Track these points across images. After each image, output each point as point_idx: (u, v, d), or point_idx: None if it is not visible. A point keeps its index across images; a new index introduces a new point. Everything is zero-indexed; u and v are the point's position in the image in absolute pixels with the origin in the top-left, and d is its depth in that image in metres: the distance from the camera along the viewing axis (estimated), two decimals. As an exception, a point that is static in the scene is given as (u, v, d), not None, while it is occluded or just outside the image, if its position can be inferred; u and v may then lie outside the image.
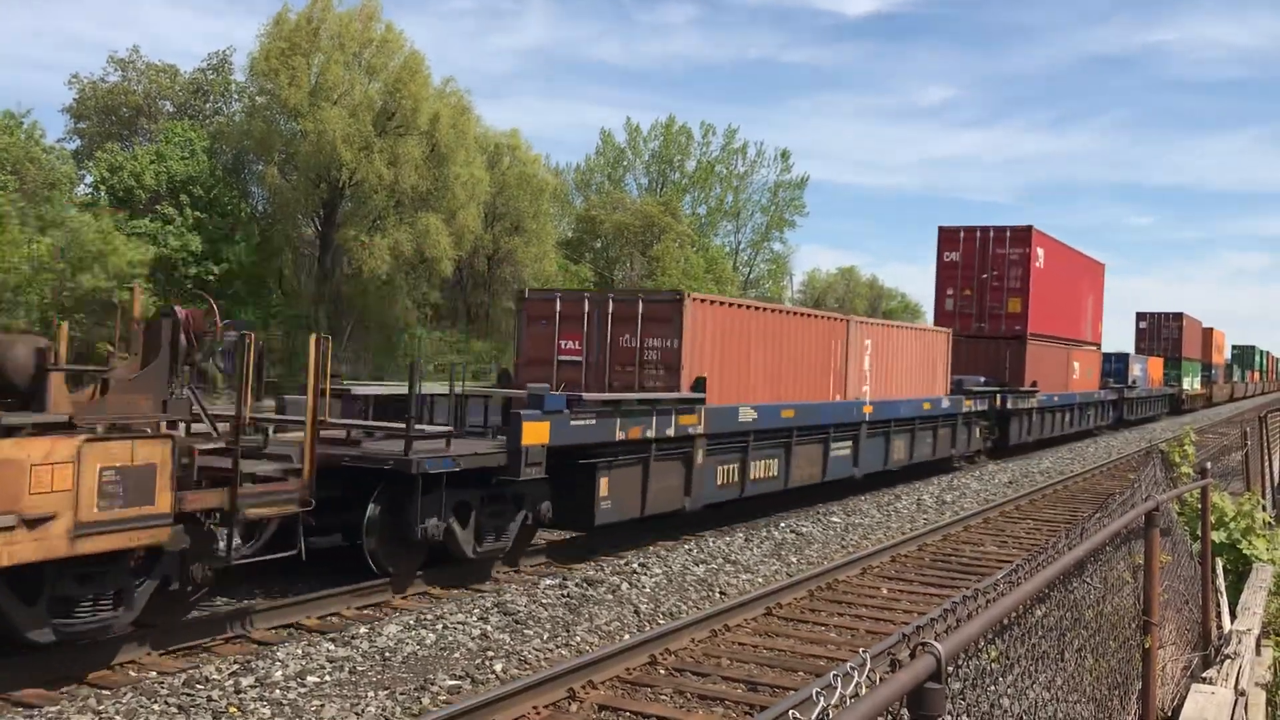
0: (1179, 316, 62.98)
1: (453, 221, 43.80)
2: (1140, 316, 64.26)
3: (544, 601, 10.63)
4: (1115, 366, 44.84)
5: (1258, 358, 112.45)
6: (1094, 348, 39.48)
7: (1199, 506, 9.73)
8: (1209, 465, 9.85)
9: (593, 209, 57.91)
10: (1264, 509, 13.54)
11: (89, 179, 42.07)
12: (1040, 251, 31.48)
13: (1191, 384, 63.12)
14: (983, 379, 26.56)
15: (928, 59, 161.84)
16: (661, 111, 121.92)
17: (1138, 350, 59.15)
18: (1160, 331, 62.36)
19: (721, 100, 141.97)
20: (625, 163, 66.16)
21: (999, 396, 26.77)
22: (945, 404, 22.77)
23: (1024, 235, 30.79)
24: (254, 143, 42.22)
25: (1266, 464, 19.24)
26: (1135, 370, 46.63)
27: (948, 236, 31.53)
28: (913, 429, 21.40)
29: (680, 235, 56.18)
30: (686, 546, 13.90)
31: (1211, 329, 74.63)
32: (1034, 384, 29.60)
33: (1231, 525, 11.50)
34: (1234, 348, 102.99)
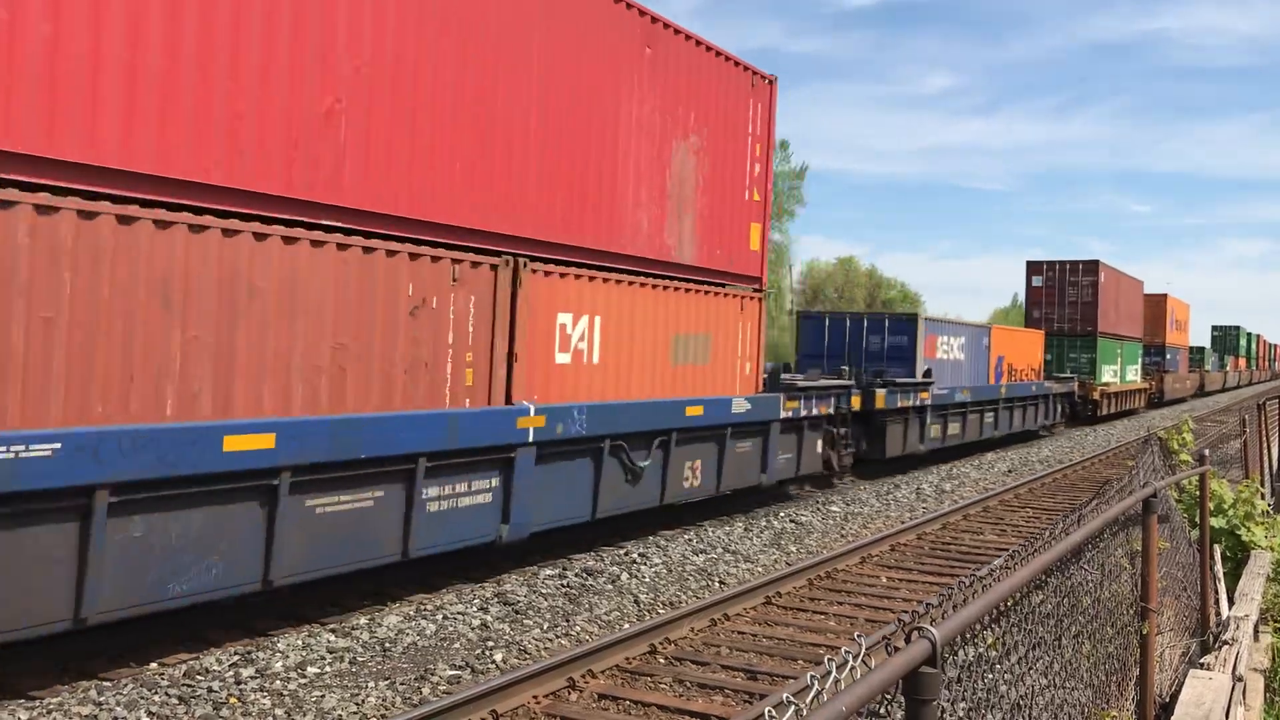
0: (1094, 267, 39.20)
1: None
2: (1034, 268, 40.24)
3: (544, 591, 10.65)
4: (893, 343, 23.26)
5: (1243, 341, 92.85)
6: (746, 290, 15.75)
7: (1197, 493, 9.75)
8: (1207, 452, 9.85)
9: (591, 199, 57.83)
10: (1263, 496, 13.57)
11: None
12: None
13: (1119, 375, 41.63)
14: None
15: (930, 47, 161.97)
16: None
17: (1030, 322, 39.65)
18: (1064, 293, 39.37)
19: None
20: (623, 153, 66.04)
21: None
22: None
23: None
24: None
25: (1265, 451, 19.26)
26: (945, 348, 24.77)
27: None
28: None
29: (679, 225, 56.07)
30: (686, 536, 13.92)
31: (1165, 295, 54.10)
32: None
33: (1230, 512, 11.53)
34: (1214, 328, 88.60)
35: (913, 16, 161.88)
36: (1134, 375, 45.17)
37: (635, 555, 12.49)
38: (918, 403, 21.82)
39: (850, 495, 18.35)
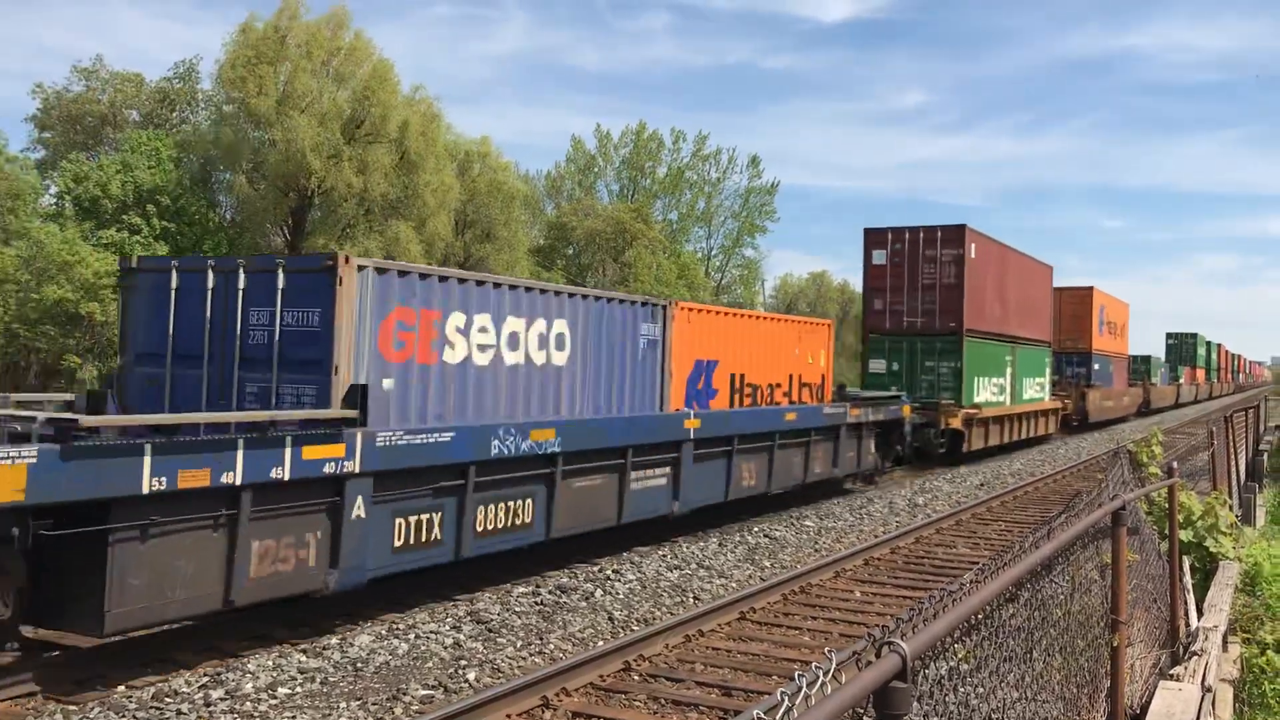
0: (958, 235, 26.66)
1: (423, 229, 43.75)
2: (874, 237, 27.66)
3: (517, 609, 10.60)
4: (293, 325, 10.19)
5: (1201, 350, 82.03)
6: None
7: (1167, 506, 9.84)
8: (1175, 465, 9.95)
9: (564, 216, 57.99)
10: (1230, 508, 13.71)
11: (54, 189, 41.67)
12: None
13: (1009, 392, 29.92)
14: None
15: (904, 64, 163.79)
16: (639, 118, 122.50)
17: (871, 316, 27.42)
18: (916, 273, 26.92)
19: (699, 106, 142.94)
20: (596, 169, 66.29)
21: None
22: None
23: None
24: (221, 152, 41.99)
25: (1232, 463, 19.49)
26: (481, 340, 11.68)
27: None
28: None
29: (652, 241, 56.31)
30: (661, 552, 13.90)
31: (1091, 289, 42.07)
32: None
33: (1198, 524, 11.64)
34: (1169, 336, 79.76)
35: (886, 33, 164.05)
36: (1037, 391, 33.19)
37: (609, 572, 12.46)
38: (240, 477, 8.65)
39: (824, 510, 18.38)
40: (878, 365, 26.96)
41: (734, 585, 12.31)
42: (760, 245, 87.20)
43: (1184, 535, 10.99)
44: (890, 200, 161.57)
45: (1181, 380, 70.23)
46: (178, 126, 46.21)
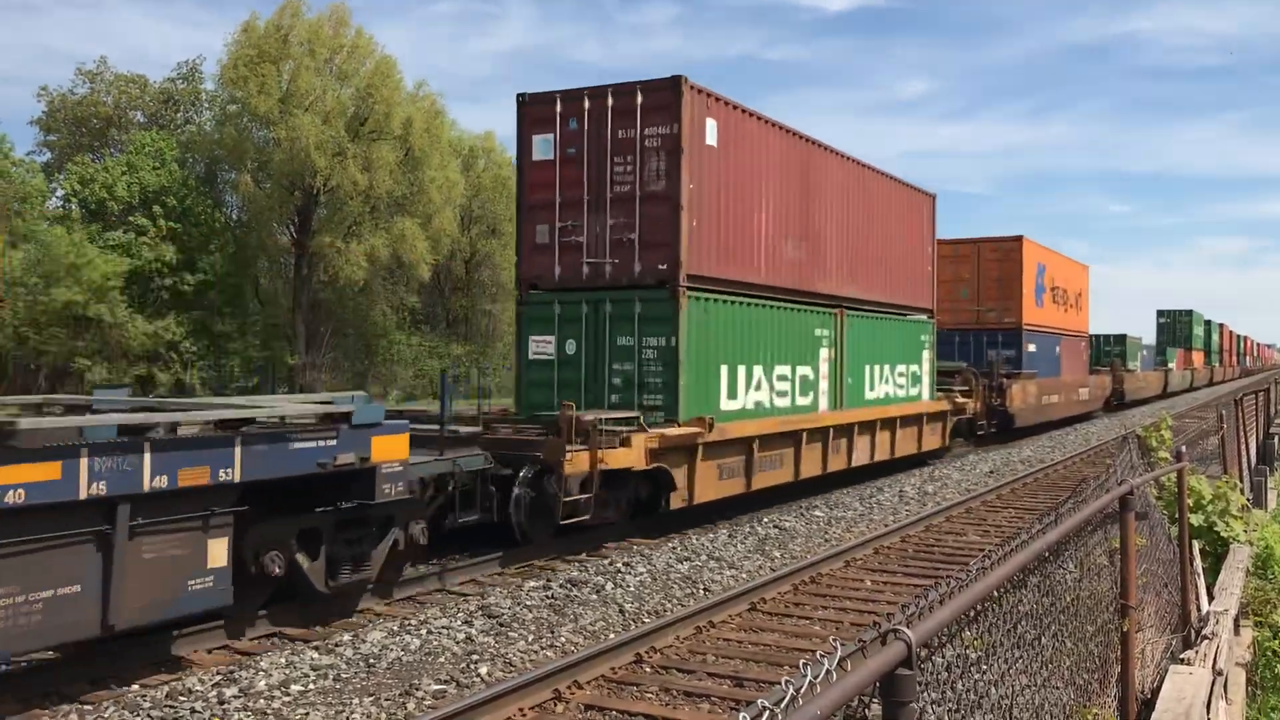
0: (671, 101, 13.78)
1: (429, 225, 43.78)
2: (536, 113, 14.92)
3: (528, 603, 10.63)
4: None
5: (1198, 329, 70.70)
6: None
7: (1176, 490, 9.82)
8: (1184, 449, 9.93)
9: (569, 210, 57.98)
10: (1240, 491, 13.68)
11: (60, 192, 41.80)
12: None
13: (821, 392, 18.04)
14: None
15: (907, 53, 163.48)
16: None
17: (530, 258, 15.15)
18: (607, 178, 14.47)
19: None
20: (601, 163, 66.21)
21: None
22: None
23: None
24: (226, 151, 42.06)
25: (1243, 447, 19.45)
26: None
27: None
28: None
29: (657, 234, 56.24)
30: (670, 544, 13.92)
31: (1020, 240, 30.49)
32: None
33: (1209, 508, 11.62)
34: (1160, 314, 68.78)
35: (890, 23, 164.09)
36: (901, 387, 21.99)
37: (620, 565, 12.48)
38: None
39: (834, 500, 18.39)
40: (542, 345, 15.30)
41: (744, 576, 12.32)
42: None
43: (1194, 519, 10.98)
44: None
45: (1172, 364, 57.45)
46: (182, 127, 46.31)
